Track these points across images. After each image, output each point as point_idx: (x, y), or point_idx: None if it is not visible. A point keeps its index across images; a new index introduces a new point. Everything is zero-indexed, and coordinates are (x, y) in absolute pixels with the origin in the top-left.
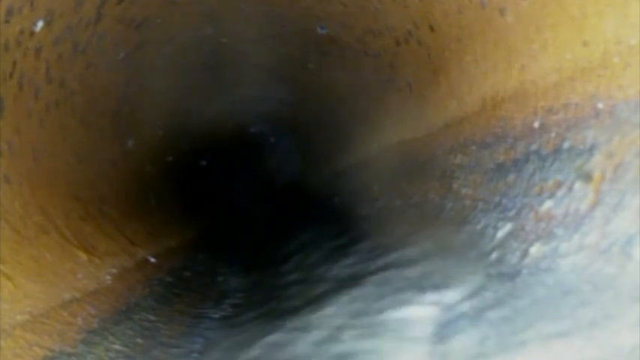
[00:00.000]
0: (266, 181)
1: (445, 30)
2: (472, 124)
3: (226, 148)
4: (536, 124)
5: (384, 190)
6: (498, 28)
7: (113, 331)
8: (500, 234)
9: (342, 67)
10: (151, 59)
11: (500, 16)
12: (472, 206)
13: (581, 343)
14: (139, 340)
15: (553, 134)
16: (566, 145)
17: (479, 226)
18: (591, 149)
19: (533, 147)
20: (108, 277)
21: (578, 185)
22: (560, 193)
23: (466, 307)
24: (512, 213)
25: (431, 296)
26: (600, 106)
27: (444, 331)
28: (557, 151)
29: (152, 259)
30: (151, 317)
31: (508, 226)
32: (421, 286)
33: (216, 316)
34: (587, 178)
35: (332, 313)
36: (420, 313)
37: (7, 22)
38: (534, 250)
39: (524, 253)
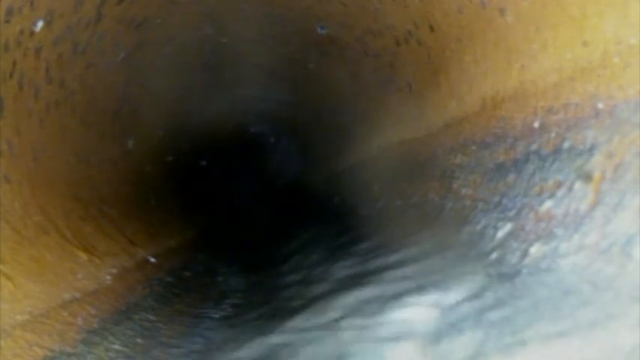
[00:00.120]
0: (266, 181)
1: (445, 30)
2: (472, 124)
3: (226, 148)
4: (536, 124)
5: (384, 190)
6: (498, 28)
7: (113, 331)
8: (500, 234)
9: (342, 67)
10: (151, 59)
11: (500, 16)
12: (472, 206)
13: (581, 343)
14: (139, 340)
15: (553, 134)
16: (566, 145)
17: (479, 226)
18: (591, 149)
19: (533, 147)
20: (108, 277)
21: (578, 185)
22: (560, 193)
23: (466, 307)
24: (512, 213)
25: (431, 296)
26: (600, 106)
27: (444, 331)
28: (557, 151)
29: (152, 259)
30: (151, 317)
31: (508, 226)
32: (421, 286)
33: (216, 316)
34: (587, 178)
35: (332, 313)
36: (420, 313)
37: (7, 22)
38: (534, 250)
39: (524, 253)
